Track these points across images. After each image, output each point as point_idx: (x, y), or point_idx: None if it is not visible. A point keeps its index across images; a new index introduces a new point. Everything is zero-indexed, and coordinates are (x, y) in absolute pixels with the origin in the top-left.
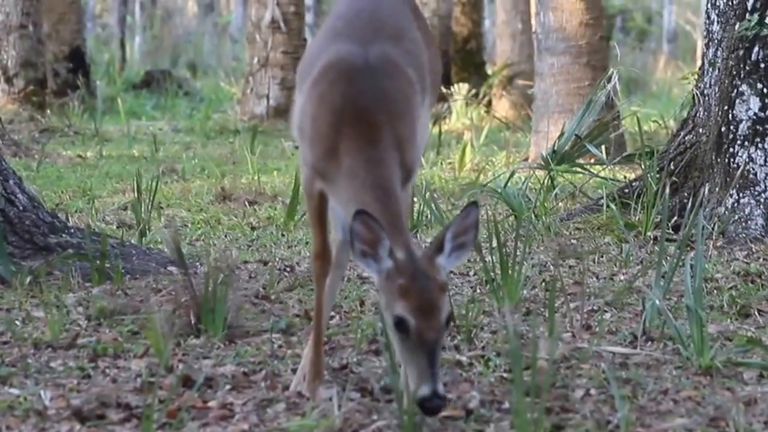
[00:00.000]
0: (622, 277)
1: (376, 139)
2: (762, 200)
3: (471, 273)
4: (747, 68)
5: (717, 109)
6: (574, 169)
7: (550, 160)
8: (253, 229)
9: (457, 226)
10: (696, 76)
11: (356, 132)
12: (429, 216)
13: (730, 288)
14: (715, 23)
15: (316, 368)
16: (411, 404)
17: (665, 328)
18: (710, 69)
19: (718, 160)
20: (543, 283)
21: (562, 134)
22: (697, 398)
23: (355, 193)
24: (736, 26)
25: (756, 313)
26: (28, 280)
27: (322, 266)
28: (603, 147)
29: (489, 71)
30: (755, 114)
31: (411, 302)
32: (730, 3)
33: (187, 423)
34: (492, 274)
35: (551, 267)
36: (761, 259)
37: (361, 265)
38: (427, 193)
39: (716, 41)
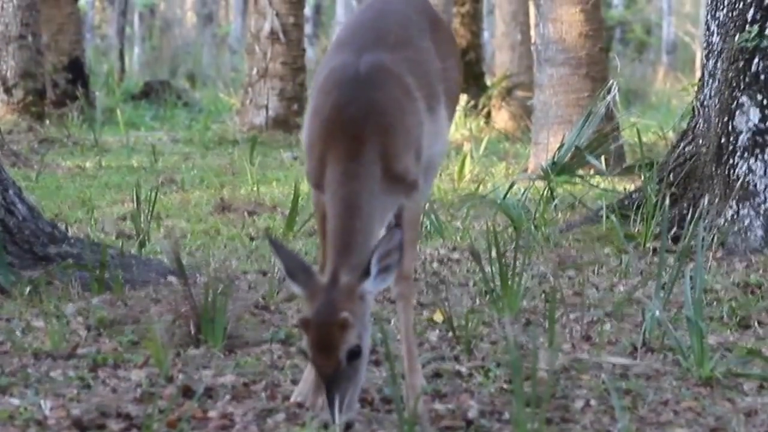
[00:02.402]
0: (621, 288)
1: (357, 152)
2: (761, 211)
3: (471, 283)
4: (747, 79)
5: (717, 121)
6: (573, 180)
7: (549, 171)
8: (252, 239)
9: (383, 249)
10: (695, 88)
11: (340, 144)
12: (428, 227)
13: (730, 299)
14: (715, 34)
15: None
16: (411, 415)
17: (665, 338)
18: (710, 80)
19: (718, 171)
20: (543, 294)
21: (561, 145)
22: (698, 409)
23: (329, 206)
24: (736, 37)
25: (756, 324)
26: (27, 290)
27: None
28: (602, 158)
29: (488, 82)
30: (755, 125)
31: (309, 338)
32: (730, 14)
33: None
34: (492, 284)
35: (551, 278)
36: (761, 270)
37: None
38: (427, 204)
39: (716, 52)
